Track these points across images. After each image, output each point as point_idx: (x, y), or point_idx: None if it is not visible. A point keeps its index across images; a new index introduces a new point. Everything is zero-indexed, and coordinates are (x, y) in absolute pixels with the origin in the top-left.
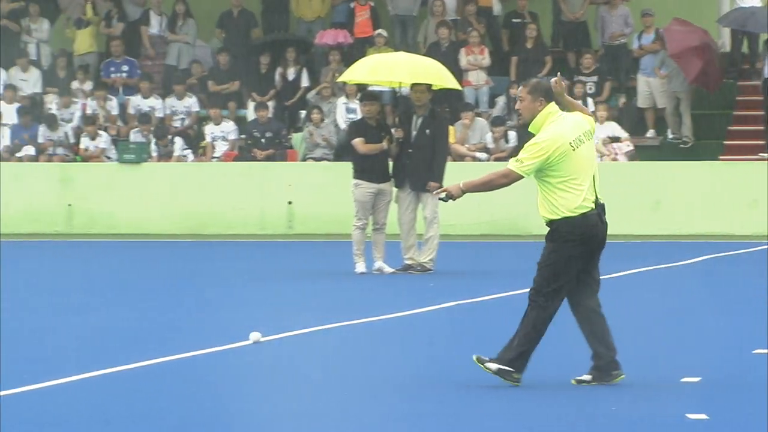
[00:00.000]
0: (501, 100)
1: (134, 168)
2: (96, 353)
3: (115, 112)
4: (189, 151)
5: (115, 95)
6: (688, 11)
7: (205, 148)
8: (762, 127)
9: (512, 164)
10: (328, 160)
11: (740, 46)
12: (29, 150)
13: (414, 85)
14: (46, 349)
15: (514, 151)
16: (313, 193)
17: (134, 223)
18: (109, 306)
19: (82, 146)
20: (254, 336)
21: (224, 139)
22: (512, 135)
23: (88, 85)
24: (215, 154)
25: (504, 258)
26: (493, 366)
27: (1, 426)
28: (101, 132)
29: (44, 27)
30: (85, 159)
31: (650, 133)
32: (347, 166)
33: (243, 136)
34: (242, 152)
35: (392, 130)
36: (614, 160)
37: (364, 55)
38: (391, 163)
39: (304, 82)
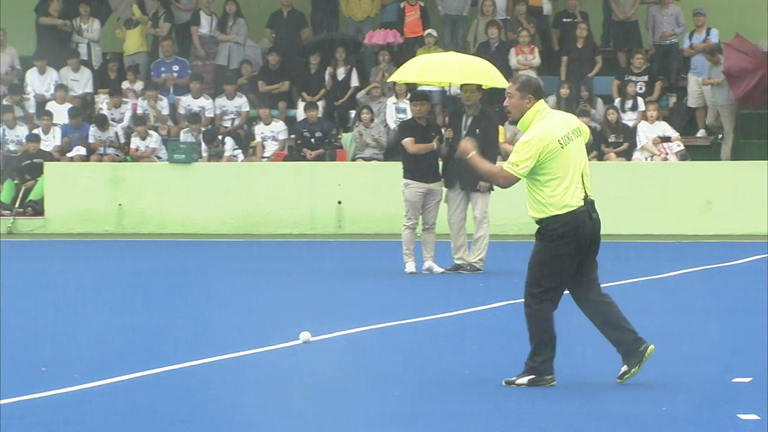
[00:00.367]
0: (551, 100)
1: (184, 168)
2: (149, 353)
3: (165, 112)
4: (239, 151)
5: (166, 95)
6: (740, 12)
7: (255, 148)
8: None
9: (507, 167)
10: (378, 160)
11: None
12: (80, 150)
13: (464, 85)
14: (102, 347)
15: None
16: (363, 193)
17: (184, 222)
18: (160, 306)
19: (132, 146)
20: (304, 336)
21: (274, 139)
22: None
23: (139, 85)
24: (265, 154)
25: None
26: (524, 380)
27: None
28: (151, 132)
29: (95, 27)
30: (136, 159)
31: (701, 132)
32: (397, 166)
33: (293, 136)
34: (292, 152)
35: (442, 130)
36: (665, 159)
37: (413, 55)
38: (441, 163)
39: (354, 81)
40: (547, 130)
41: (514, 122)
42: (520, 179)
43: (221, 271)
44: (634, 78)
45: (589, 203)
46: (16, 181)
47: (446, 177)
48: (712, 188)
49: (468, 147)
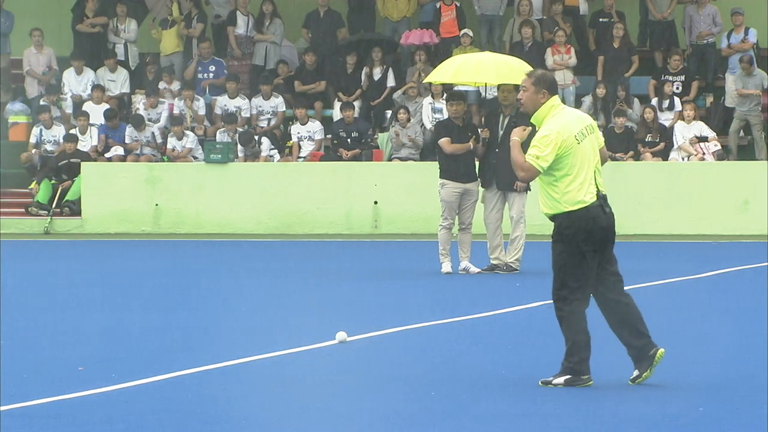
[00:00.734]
0: (587, 100)
1: (221, 168)
2: (185, 352)
3: (202, 112)
4: (275, 151)
5: (202, 95)
6: None
7: (291, 148)
8: None
9: (530, 159)
10: (414, 160)
11: None
12: (117, 150)
13: (501, 85)
14: (139, 347)
15: None
16: (399, 193)
17: (220, 222)
18: (195, 306)
19: (169, 146)
20: (340, 336)
21: (310, 138)
22: None
23: (176, 86)
24: (301, 154)
25: None
26: (560, 380)
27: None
28: (188, 132)
29: (132, 27)
30: (172, 159)
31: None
32: (433, 166)
33: (329, 136)
34: (328, 152)
35: (479, 130)
36: (702, 159)
37: (449, 55)
38: (477, 163)
39: (390, 81)
40: (564, 125)
41: (528, 115)
42: (539, 173)
43: (257, 271)
44: (670, 78)
45: (601, 198)
46: (53, 182)
47: (483, 177)
48: (749, 188)
49: (521, 133)
